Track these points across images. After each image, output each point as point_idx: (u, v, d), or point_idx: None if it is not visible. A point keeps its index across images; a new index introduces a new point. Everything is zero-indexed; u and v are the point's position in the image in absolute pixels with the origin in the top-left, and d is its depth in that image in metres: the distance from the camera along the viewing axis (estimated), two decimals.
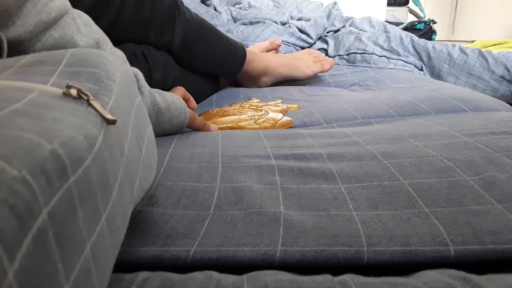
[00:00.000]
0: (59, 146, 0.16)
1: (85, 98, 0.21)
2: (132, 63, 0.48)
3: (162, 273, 0.27)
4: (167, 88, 0.67)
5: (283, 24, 1.43)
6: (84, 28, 0.43)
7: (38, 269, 0.14)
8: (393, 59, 1.23)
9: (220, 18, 1.33)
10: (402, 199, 0.37)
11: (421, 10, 3.02)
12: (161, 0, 0.77)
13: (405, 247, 0.30)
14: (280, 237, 0.31)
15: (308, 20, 1.46)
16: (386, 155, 0.47)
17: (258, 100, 0.85)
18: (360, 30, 1.53)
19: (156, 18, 0.77)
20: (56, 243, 0.15)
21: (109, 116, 0.21)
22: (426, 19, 2.47)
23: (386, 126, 0.61)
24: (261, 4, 1.70)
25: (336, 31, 1.51)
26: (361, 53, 1.27)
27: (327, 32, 1.49)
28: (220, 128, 0.66)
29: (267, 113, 0.74)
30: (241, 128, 0.67)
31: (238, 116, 0.72)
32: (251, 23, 1.42)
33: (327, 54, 1.36)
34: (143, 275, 0.27)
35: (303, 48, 1.38)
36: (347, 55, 1.30)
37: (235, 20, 1.47)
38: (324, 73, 1.10)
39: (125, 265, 0.28)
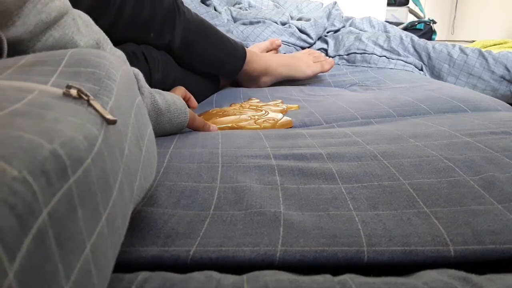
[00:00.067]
0: (59, 146, 0.16)
1: (85, 98, 0.21)
2: (132, 63, 0.48)
3: (162, 273, 0.27)
4: (167, 88, 0.67)
5: (283, 24, 1.43)
6: (84, 28, 0.43)
7: (38, 269, 0.14)
8: (393, 59, 1.23)
9: (220, 18, 1.33)
10: (402, 199, 0.37)
11: (421, 10, 3.02)
12: (161, 0, 0.77)
13: (405, 247, 0.30)
14: (280, 237, 0.31)
15: (308, 20, 1.46)
16: (386, 155, 0.47)
17: (258, 100, 0.85)
18: (360, 30, 1.53)
19: (156, 18, 0.77)
20: (56, 243, 0.15)
21: (109, 116, 0.21)
22: (426, 19, 2.47)
23: (386, 126, 0.62)
24: (261, 4, 1.70)
25: (336, 31, 1.51)
26: (361, 53, 1.27)
27: (327, 32, 1.49)
28: (220, 128, 0.66)
29: (267, 113, 0.74)
30: (241, 128, 0.67)
31: (238, 116, 0.72)
32: (251, 23, 1.42)
33: (327, 54, 1.36)
34: (143, 275, 0.27)
35: (303, 48, 1.38)
36: (347, 55, 1.30)
37: (235, 20, 1.47)
38: (324, 73, 1.10)
39: (125, 265, 0.28)
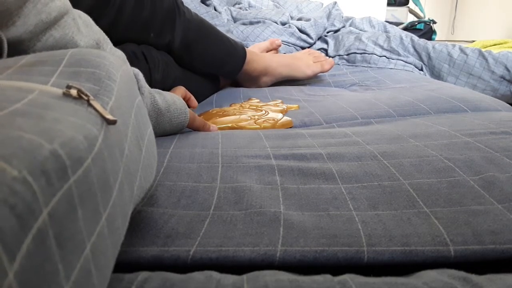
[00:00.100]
0: (59, 146, 0.16)
1: (85, 98, 0.21)
2: (132, 63, 0.48)
3: (162, 273, 0.27)
4: (167, 88, 0.67)
5: (283, 24, 1.43)
6: (84, 28, 0.43)
7: (38, 269, 0.14)
8: (393, 59, 1.23)
9: (220, 18, 1.33)
10: (402, 199, 0.37)
11: (421, 10, 3.02)
12: (161, 0, 0.77)
13: (405, 247, 0.30)
14: (280, 237, 0.31)
15: (308, 20, 1.46)
16: (386, 155, 0.47)
17: (258, 100, 0.85)
18: (360, 30, 1.53)
19: (156, 18, 0.77)
20: (56, 243, 0.15)
21: (109, 116, 0.21)
22: (426, 19, 2.47)
23: (386, 126, 0.62)
24: (261, 4, 1.70)
25: (336, 31, 1.51)
26: (361, 53, 1.27)
27: (327, 32, 1.49)
28: (220, 128, 0.66)
29: (267, 113, 0.74)
30: (241, 128, 0.67)
31: (238, 116, 0.72)
32: (251, 23, 1.42)
33: (327, 54, 1.36)
34: (143, 275, 0.27)
35: (303, 48, 1.38)
36: (347, 55, 1.30)
37: (235, 20, 1.47)
38: (324, 73, 1.10)
39: (125, 265, 0.28)
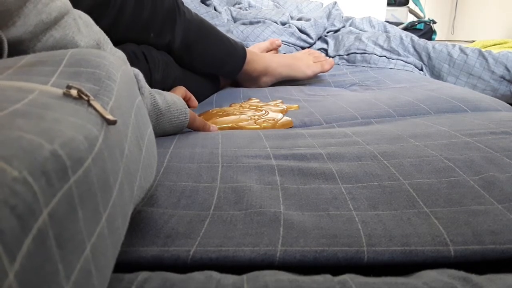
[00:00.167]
0: (59, 146, 0.16)
1: (86, 98, 0.21)
2: (132, 63, 0.48)
3: (162, 273, 0.27)
4: (167, 88, 0.67)
5: (283, 24, 1.43)
6: (84, 29, 0.43)
7: (39, 269, 0.14)
8: (393, 59, 1.23)
9: (220, 18, 1.33)
10: (402, 199, 0.37)
11: (421, 10, 3.02)
12: (162, 0, 0.77)
13: (405, 247, 0.30)
14: (280, 237, 0.31)
15: (308, 20, 1.46)
16: (386, 155, 0.47)
17: (258, 100, 0.85)
18: (360, 30, 1.53)
19: (157, 18, 0.77)
20: (57, 244, 0.15)
21: (109, 117, 0.21)
22: (426, 19, 2.47)
23: (386, 126, 0.62)
24: (261, 4, 1.70)
25: (336, 31, 1.51)
26: (361, 53, 1.27)
27: (327, 32, 1.49)
28: (220, 128, 0.66)
29: (267, 113, 0.74)
30: (241, 128, 0.67)
31: (238, 116, 0.72)
32: (251, 23, 1.42)
33: (327, 54, 1.36)
34: (143, 275, 0.27)
35: (303, 48, 1.38)
36: (347, 55, 1.30)
37: (235, 20, 1.47)
38: (324, 73, 1.10)
39: (125, 265, 0.28)
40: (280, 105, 0.80)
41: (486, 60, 1.13)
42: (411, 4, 3.16)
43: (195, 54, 0.85)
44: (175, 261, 0.29)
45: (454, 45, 1.19)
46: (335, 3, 1.57)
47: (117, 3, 0.68)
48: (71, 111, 0.20)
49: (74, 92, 0.21)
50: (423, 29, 2.37)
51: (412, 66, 1.21)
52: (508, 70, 1.11)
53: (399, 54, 1.23)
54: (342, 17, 1.57)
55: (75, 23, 0.42)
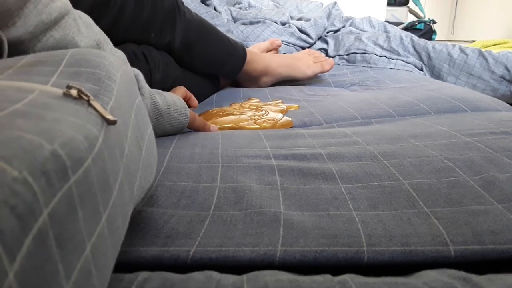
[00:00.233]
0: (59, 146, 0.16)
1: (86, 98, 0.21)
2: (132, 64, 0.48)
3: (162, 273, 0.27)
4: (168, 88, 0.67)
5: (283, 24, 1.43)
6: (85, 29, 0.43)
7: (39, 269, 0.14)
8: (393, 59, 1.23)
9: (220, 18, 1.33)
10: (402, 199, 0.37)
11: (421, 10, 3.02)
12: (162, 0, 0.77)
13: (405, 247, 0.30)
14: (280, 237, 0.31)
15: (308, 20, 1.46)
16: (386, 155, 0.47)
17: (258, 100, 0.85)
18: (360, 30, 1.53)
19: (157, 18, 0.77)
20: (57, 244, 0.15)
21: (109, 117, 0.21)
22: (426, 19, 2.47)
23: (386, 126, 0.62)
24: (261, 4, 1.70)
25: (336, 31, 1.51)
26: (361, 53, 1.27)
27: (327, 32, 1.49)
28: (220, 128, 0.66)
29: (267, 113, 0.74)
30: (241, 128, 0.67)
31: (238, 116, 0.72)
32: (251, 23, 1.42)
33: (327, 54, 1.36)
34: (143, 275, 0.27)
35: (303, 48, 1.38)
36: (347, 55, 1.30)
37: (235, 20, 1.47)
38: (324, 73, 1.10)
39: (125, 265, 0.28)
40: (280, 105, 0.80)
41: (486, 60, 1.13)
42: (411, 4, 3.16)
43: (195, 54, 0.85)
44: (175, 261, 0.29)
45: (454, 45, 1.19)
46: (335, 3, 1.57)
47: (117, 3, 0.68)
48: (71, 111, 0.20)
49: (74, 92, 0.21)
50: (423, 29, 2.37)
51: (412, 66, 1.21)
52: (508, 70, 1.11)
53: (399, 54, 1.23)
54: (342, 17, 1.57)
55: (75, 23, 0.42)
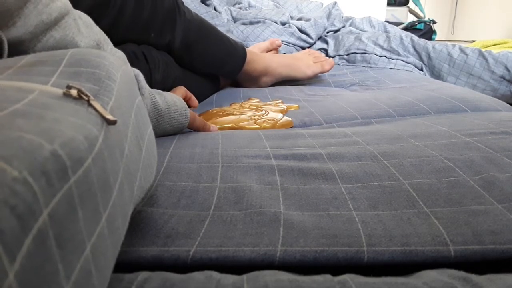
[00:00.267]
0: (59, 146, 0.16)
1: (86, 98, 0.21)
2: (132, 64, 0.48)
3: (162, 273, 0.27)
4: (168, 89, 0.67)
5: (283, 24, 1.43)
6: (85, 29, 0.43)
7: (39, 269, 0.14)
8: (393, 59, 1.23)
9: (220, 18, 1.33)
10: (402, 199, 0.37)
11: (421, 10, 3.02)
12: (162, 0, 0.77)
13: (405, 247, 0.30)
14: (280, 237, 0.31)
15: (308, 20, 1.46)
16: (386, 155, 0.47)
17: (258, 100, 0.85)
18: (360, 30, 1.53)
19: (157, 18, 0.77)
20: (57, 244, 0.15)
21: (109, 117, 0.21)
22: (426, 19, 2.47)
23: (386, 126, 0.62)
24: (261, 4, 1.70)
25: (336, 31, 1.51)
26: (361, 53, 1.27)
27: (327, 32, 1.49)
28: (220, 128, 0.66)
29: (267, 113, 0.74)
30: (241, 128, 0.67)
31: (238, 116, 0.72)
32: (251, 23, 1.42)
33: (327, 54, 1.36)
34: (143, 275, 0.27)
35: (303, 48, 1.38)
36: (347, 55, 1.30)
37: (235, 20, 1.47)
38: (324, 73, 1.10)
39: (125, 265, 0.28)
40: (280, 105, 0.80)
41: (486, 60, 1.13)
42: (411, 4, 3.16)
43: (195, 54, 0.85)
44: (175, 261, 0.29)
45: (454, 45, 1.19)
46: (335, 3, 1.57)
47: (117, 3, 0.68)
48: (71, 111, 0.20)
49: (74, 92, 0.21)
50: (423, 29, 2.37)
51: (412, 66, 1.21)
52: (508, 70, 1.11)
53: (399, 54, 1.23)
54: (342, 17, 1.57)
55: (75, 23, 0.42)
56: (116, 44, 0.52)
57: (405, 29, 2.32)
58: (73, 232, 0.16)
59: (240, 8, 1.63)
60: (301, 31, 1.40)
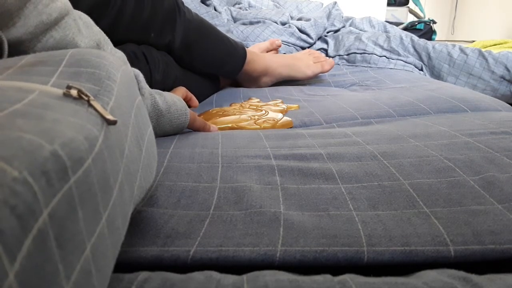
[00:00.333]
0: (59, 147, 0.16)
1: (86, 98, 0.21)
2: (132, 64, 0.48)
3: (162, 273, 0.27)
4: (168, 89, 0.67)
5: (283, 24, 1.43)
6: (85, 29, 0.43)
7: (39, 269, 0.14)
8: (393, 59, 1.23)
9: (220, 18, 1.33)
10: (402, 199, 0.37)
11: (421, 10, 3.02)
12: (162, 0, 0.77)
13: (405, 247, 0.30)
14: (280, 237, 0.31)
15: (308, 20, 1.46)
16: (386, 155, 0.47)
17: (258, 100, 0.85)
18: (360, 30, 1.53)
19: (157, 18, 0.77)
20: (57, 244, 0.15)
21: (109, 117, 0.21)
22: (426, 19, 2.46)
23: (386, 126, 0.62)
24: (261, 4, 1.70)
25: (336, 31, 1.51)
26: (361, 53, 1.27)
27: (327, 32, 1.50)
28: (220, 128, 0.67)
29: (267, 113, 0.74)
30: (241, 128, 0.67)
31: (238, 116, 0.72)
32: (251, 23, 1.42)
33: (327, 54, 1.36)
34: (143, 275, 0.27)
35: (303, 48, 1.38)
36: (347, 55, 1.30)
37: (235, 20, 1.47)
38: (324, 73, 1.10)
39: (125, 265, 0.28)
40: (280, 105, 0.80)
41: (486, 60, 1.13)
42: (411, 4, 3.16)
43: (195, 54, 0.85)
44: (175, 261, 0.29)
45: (454, 45, 1.19)
46: (335, 3, 1.57)
47: (117, 3, 0.68)
48: (71, 111, 0.20)
49: (74, 92, 0.21)
50: (423, 29, 2.37)
51: (412, 66, 1.21)
52: (508, 70, 1.11)
53: (399, 54, 1.23)
54: (342, 17, 1.57)
55: (75, 24, 0.42)
56: (116, 44, 0.52)
57: (405, 29, 2.32)
58: (73, 232, 0.16)
59: (240, 8, 1.63)
60: (301, 31, 1.40)
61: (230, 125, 0.68)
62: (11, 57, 0.27)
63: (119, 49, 0.52)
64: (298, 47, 1.39)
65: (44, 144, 0.16)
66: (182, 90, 0.69)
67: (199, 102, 0.85)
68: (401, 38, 1.26)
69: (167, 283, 0.26)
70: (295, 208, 0.36)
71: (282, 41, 1.31)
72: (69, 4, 0.41)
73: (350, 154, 0.48)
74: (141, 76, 0.51)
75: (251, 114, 0.73)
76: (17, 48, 0.37)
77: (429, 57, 1.21)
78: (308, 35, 1.40)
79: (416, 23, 2.39)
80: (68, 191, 0.16)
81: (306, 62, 1.04)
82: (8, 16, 0.35)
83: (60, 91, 0.21)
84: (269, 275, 0.27)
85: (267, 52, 1.15)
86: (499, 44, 1.76)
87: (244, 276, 0.27)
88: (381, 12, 2.58)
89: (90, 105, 0.21)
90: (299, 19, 1.53)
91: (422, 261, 0.29)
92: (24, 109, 0.18)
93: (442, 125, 0.58)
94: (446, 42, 1.27)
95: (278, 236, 0.31)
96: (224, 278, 0.27)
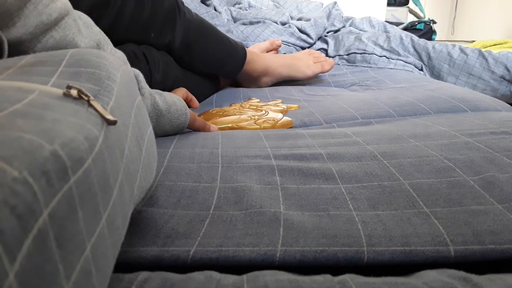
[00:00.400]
0: (59, 147, 0.16)
1: (86, 98, 0.21)
2: (132, 64, 0.48)
3: (162, 273, 0.27)
4: (168, 89, 0.67)
5: (283, 24, 1.43)
6: (85, 30, 0.43)
7: (39, 269, 0.14)
8: (393, 59, 1.23)
9: (220, 18, 1.33)
10: (402, 199, 0.37)
11: (421, 10, 3.02)
12: (162, 0, 0.77)
13: (405, 247, 0.30)
14: (280, 237, 0.31)
15: (308, 20, 1.46)
16: (386, 155, 0.47)
17: (258, 100, 0.85)
18: (360, 30, 1.53)
19: (157, 18, 0.77)
20: (57, 244, 0.15)
21: (109, 117, 0.21)
22: (426, 19, 2.46)
23: (386, 126, 0.62)
24: (261, 4, 1.70)
25: (336, 31, 1.51)
26: (361, 53, 1.27)
27: (327, 32, 1.50)
28: (220, 128, 0.67)
29: (267, 113, 0.74)
30: (241, 128, 0.67)
31: (238, 116, 0.72)
32: (251, 23, 1.42)
33: (327, 54, 1.36)
34: (143, 275, 0.27)
35: (303, 48, 1.38)
36: (347, 55, 1.30)
37: (235, 20, 1.47)
38: (324, 73, 1.10)
39: (125, 265, 0.28)
40: (280, 105, 0.80)
41: (486, 60, 1.13)
42: (411, 4, 3.16)
43: (195, 54, 0.85)
44: (175, 261, 0.29)
45: (454, 45, 1.19)
46: (335, 3, 1.57)
47: (117, 3, 0.68)
48: (71, 111, 0.20)
49: (74, 92, 0.21)
50: (423, 29, 2.37)
51: (412, 66, 1.21)
52: (508, 70, 1.11)
53: (399, 54, 1.23)
54: (342, 17, 1.57)
55: (75, 24, 0.42)
56: (116, 44, 0.52)
57: (405, 29, 2.32)
58: (73, 232, 0.16)
59: (240, 8, 1.63)
60: (301, 31, 1.40)
61: (230, 125, 0.68)
62: (11, 57, 0.27)
63: (119, 49, 0.52)
64: (298, 47, 1.39)
65: (44, 144, 0.16)
66: (182, 91, 0.69)
67: (199, 102, 0.85)
68: (401, 38, 1.26)
69: (167, 283, 0.26)
70: (295, 208, 0.36)
71: (282, 41, 1.31)
72: (69, 4, 0.41)
73: (350, 154, 0.48)
74: (141, 76, 0.51)
75: (251, 114, 0.73)
76: (17, 48, 0.37)
77: (429, 57, 1.21)
78: (308, 35, 1.40)
79: (416, 23, 2.39)
80: (68, 191, 0.16)
81: (306, 62, 1.04)
82: (8, 16, 0.35)
83: (60, 91, 0.21)
84: (269, 275, 0.27)
85: (267, 52, 1.15)
86: (499, 44, 1.76)
87: (244, 276, 0.27)
88: (381, 12, 2.58)
89: (90, 105, 0.21)
90: (299, 19, 1.53)
91: (422, 261, 0.29)
92: (24, 109, 0.18)
93: (442, 125, 0.58)
94: (446, 42, 1.27)
95: (278, 236, 0.31)
96: (224, 278, 0.27)
